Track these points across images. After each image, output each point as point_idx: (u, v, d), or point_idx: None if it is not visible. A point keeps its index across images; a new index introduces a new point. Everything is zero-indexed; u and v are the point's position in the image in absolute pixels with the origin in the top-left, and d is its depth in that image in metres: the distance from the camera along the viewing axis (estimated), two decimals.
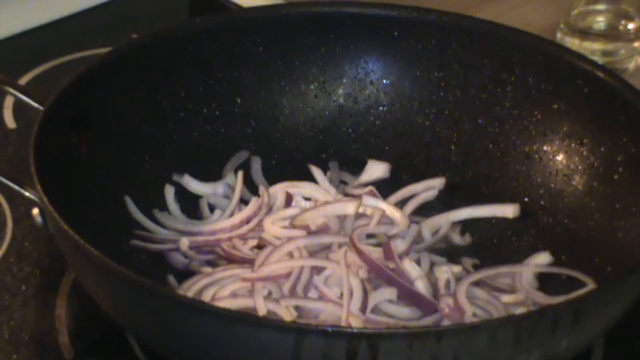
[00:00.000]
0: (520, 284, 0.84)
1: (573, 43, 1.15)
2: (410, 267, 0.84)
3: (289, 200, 0.92)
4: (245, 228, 0.88)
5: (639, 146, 0.86)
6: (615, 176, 0.87)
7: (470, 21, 0.97)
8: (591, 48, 1.14)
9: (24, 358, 0.82)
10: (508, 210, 0.92)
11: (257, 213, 0.89)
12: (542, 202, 0.92)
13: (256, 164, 0.96)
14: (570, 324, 0.68)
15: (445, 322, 0.79)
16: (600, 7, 1.18)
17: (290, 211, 0.90)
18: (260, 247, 0.87)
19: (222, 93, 0.96)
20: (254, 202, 0.90)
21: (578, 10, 1.18)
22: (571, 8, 1.17)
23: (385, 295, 0.81)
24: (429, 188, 0.94)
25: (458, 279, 0.84)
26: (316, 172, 0.95)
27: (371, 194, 0.92)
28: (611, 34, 1.17)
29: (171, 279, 0.85)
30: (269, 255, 0.84)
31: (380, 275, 0.82)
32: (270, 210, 0.91)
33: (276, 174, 0.95)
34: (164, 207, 0.91)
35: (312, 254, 0.85)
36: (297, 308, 0.80)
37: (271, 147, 0.97)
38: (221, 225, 0.89)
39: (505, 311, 0.81)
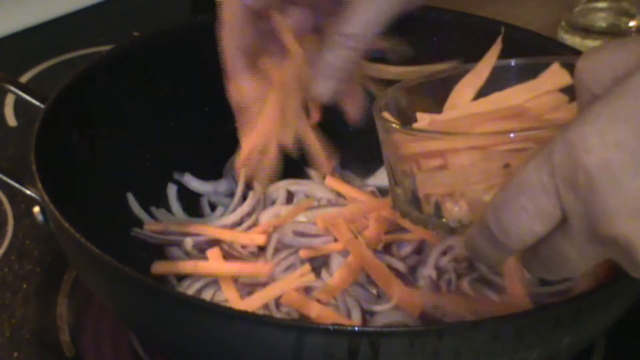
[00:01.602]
0: (522, 281, 0.84)
1: (574, 41, 1.15)
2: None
3: (290, 198, 0.92)
4: (245, 224, 0.89)
5: None
6: None
7: (472, 19, 0.97)
8: (592, 46, 1.14)
9: (25, 356, 0.82)
10: None
11: (255, 208, 0.90)
12: None
13: None
14: (572, 322, 0.68)
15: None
16: (602, 4, 1.18)
17: (285, 208, 0.90)
18: (262, 248, 0.87)
19: (223, 91, 0.96)
20: (251, 196, 0.90)
21: (579, 8, 1.18)
22: (572, 6, 1.17)
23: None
24: None
25: (459, 275, 0.84)
26: (314, 175, 0.95)
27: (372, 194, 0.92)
28: (612, 31, 1.17)
29: (171, 277, 0.85)
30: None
31: None
32: (273, 203, 0.92)
33: (277, 172, 0.95)
34: (165, 205, 0.92)
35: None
36: None
37: None
38: (222, 222, 0.89)
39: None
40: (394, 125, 0.70)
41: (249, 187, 0.93)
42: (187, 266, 0.83)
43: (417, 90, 0.75)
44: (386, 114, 0.71)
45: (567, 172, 0.55)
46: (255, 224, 0.89)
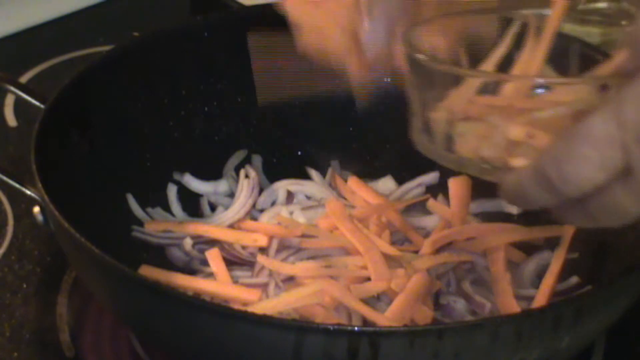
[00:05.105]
0: (522, 282, 0.84)
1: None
2: None
3: (290, 198, 0.92)
4: (243, 211, 0.90)
5: None
6: None
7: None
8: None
9: (25, 356, 0.82)
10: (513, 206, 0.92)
11: (251, 194, 0.91)
12: None
13: (257, 163, 0.96)
14: (572, 322, 0.68)
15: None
16: (602, 4, 1.18)
17: (285, 208, 0.91)
18: (262, 249, 0.87)
19: (223, 91, 0.96)
20: (245, 185, 0.91)
21: (580, 8, 1.17)
22: (573, 6, 1.17)
23: None
24: (419, 184, 0.95)
25: (459, 278, 0.84)
26: (314, 175, 0.95)
27: None
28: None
29: None
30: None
31: None
32: (273, 203, 0.93)
33: (277, 172, 0.95)
34: (164, 206, 0.92)
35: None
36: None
37: (272, 145, 0.97)
38: (222, 220, 0.89)
39: None
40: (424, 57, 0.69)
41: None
42: (177, 279, 0.81)
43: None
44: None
45: (639, 125, 0.55)
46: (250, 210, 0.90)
